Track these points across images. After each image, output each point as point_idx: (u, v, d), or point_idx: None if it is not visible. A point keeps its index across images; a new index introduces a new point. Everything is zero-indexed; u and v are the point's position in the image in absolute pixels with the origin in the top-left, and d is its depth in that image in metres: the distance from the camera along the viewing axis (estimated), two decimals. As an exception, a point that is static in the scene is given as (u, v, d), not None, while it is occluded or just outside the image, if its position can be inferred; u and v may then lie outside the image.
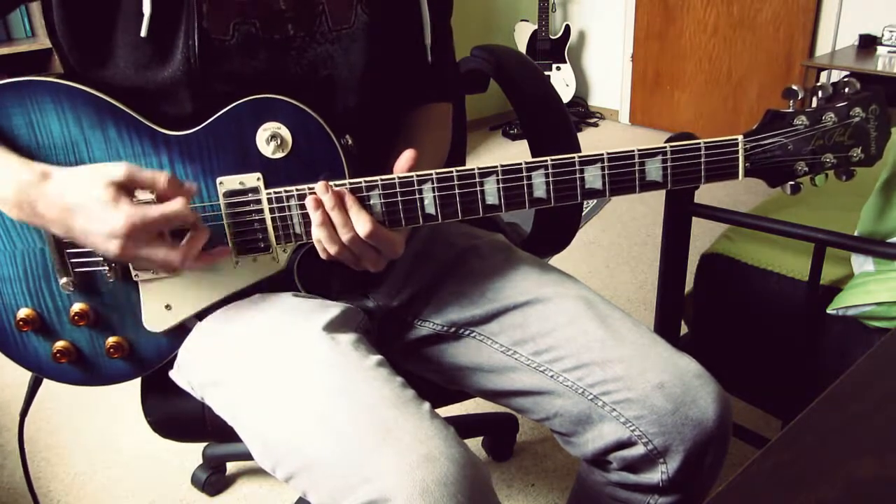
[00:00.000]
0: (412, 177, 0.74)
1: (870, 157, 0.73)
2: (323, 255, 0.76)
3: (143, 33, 0.72)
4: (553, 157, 0.74)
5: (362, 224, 0.73)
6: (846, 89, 0.72)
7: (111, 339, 0.81)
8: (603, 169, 0.73)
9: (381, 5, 0.81)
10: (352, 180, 0.75)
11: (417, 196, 0.75)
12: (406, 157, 0.75)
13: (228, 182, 0.76)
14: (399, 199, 0.75)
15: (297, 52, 0.78)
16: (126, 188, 0.69)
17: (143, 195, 0.72)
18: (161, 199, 0.71)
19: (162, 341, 0.81)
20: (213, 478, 1.47)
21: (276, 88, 0.75)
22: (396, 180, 0.74)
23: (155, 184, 0.70)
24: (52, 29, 0.77)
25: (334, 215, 0.73)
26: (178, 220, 0.70)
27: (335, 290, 0.87)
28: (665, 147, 0.73)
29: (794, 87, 0.72)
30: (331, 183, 0.73)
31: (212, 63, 0.74)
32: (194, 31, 0.73)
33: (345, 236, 0.74)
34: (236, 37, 0.75)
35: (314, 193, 0.73)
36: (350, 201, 0.73)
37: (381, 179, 0.74)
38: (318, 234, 0.74)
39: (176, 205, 0.69)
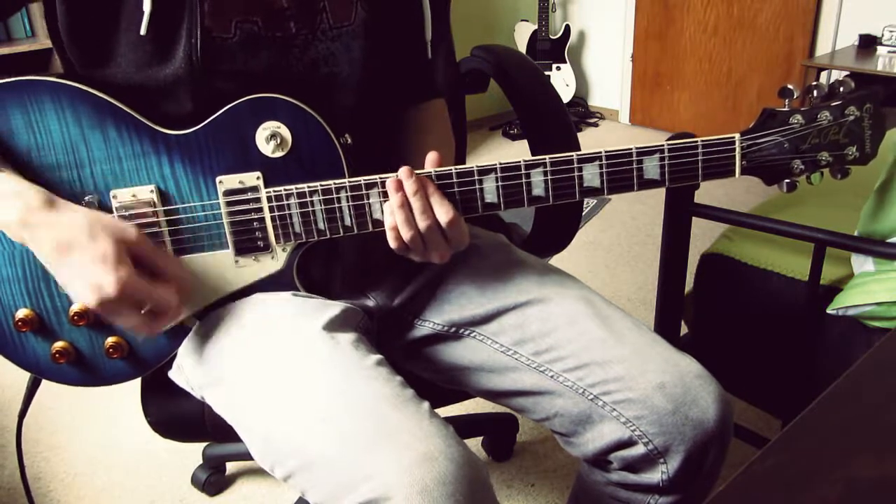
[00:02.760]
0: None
1: (864, 156, 0.74)
2: (393, 243, 0.76)
3: (142, 31, 0.72)
4: (552, 156, 0.74)
5: (445, 212, 0.73)
6: (841, 88, 0.73)
7: (110, 340, 0.81)
8: (601, 167, 0.73)
9: (380, 2, 0.81)
10: (352, 179, 0.75)
11: (417, 195, 0.75)
12: (431, 161, 0.75)
13: (228, 181, 0.76)
14: (399, 198, 0.75)
15: (299, 50, 0.78)
16: (132, 251, 0.69)
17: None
18: (157, 273, 0.71)
19: (161, 341, 0.81)
20: (213, 478, 1.47)
21: (278, 86, 0.75)
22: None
23: (158, 261, 0.71)
24: (54, 28, 0.77)
25: (415, 200, 0.73)
26: (164, 308, 0.70)
27: (335, 289, 0.87)
28: (663, 145, 0.73)
29: (790, 87, 0.73)
30: (417, 172, 0.73)
31: (213, 61, 0.74)
32: (196, 29, 0.73)
33: (423, 223, 0.73)
34: (238, 35, 0.75)
35: (395, 177, 0.73)
36: (431, 189, 0.74)
37: (381, 178, 0.74)
38: (397, 217, 0.74)
39: (171, 298, 0.70)
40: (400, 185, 0.73)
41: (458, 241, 0.76)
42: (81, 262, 0.67)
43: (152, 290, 0.69)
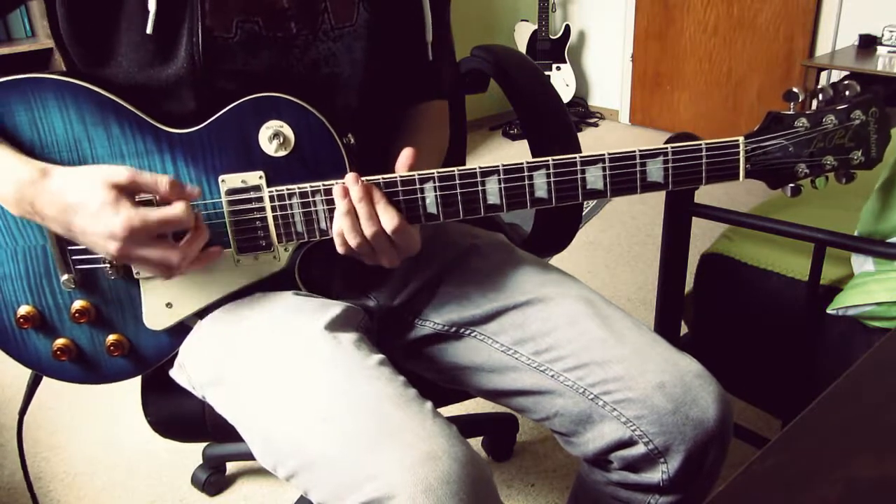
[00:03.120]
0: (414, 176, 0.74)
1: (870, 160, 0.73)
2: (340, 248, 0.76)
3: (148, 30, 0.72)
4: (554, 158, 0.74)
5: (390, 219, 0.73)
6: (846, 92, 0.73)
7: (111, 337, 0.81)
8: (604, 169, 0.73)
9: (382, 3, 0.81)
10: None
11: (419, 195, 0.75)
12: (406, 156, 0.75)
13: (230, 180, 0.76)
14: (401, 198, 0.75)
15: (300, 51, 0.78)
16: (127, 190, 0.69)
17: (144, 196, 0.72)
18: (163, 202, 0.71)
19: (162, 340, 0.82)
20: (213, 478, 1.47)
21: (279, 86, 0.75)
22: (398, 179, 0.74)
23: (157, 187, 0.70)
24: (56, 27, 0.77)
25: (360, 207, 0.73)
26: (177, 224, 0.70)
27: (336, 289, 0.87)
28: (666, 148, 0.73)
29: (795, 90, 0.73)
30: (363, 179, 0.73)
31: (215, 61, 0.74)
32: (198, 28, 0.73)
33: (368, 230, 0.74)
34: (239, 35, 0.75)
35: (342, 183, 0.73)
36: (378, 195, 0.74)
37: (383, 178, 0.74)
38: (341, 224, 0.74)
39: (175, 209, 0.70)
40: (346, 192, 0.73)
41: (407, 247, 0.76)
42: (86, 219, 0.68)
43: (159, 213, 0.69)
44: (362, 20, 0.80)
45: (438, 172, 0.74)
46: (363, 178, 0.74)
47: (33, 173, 0.70)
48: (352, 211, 0.73)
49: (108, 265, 0.78)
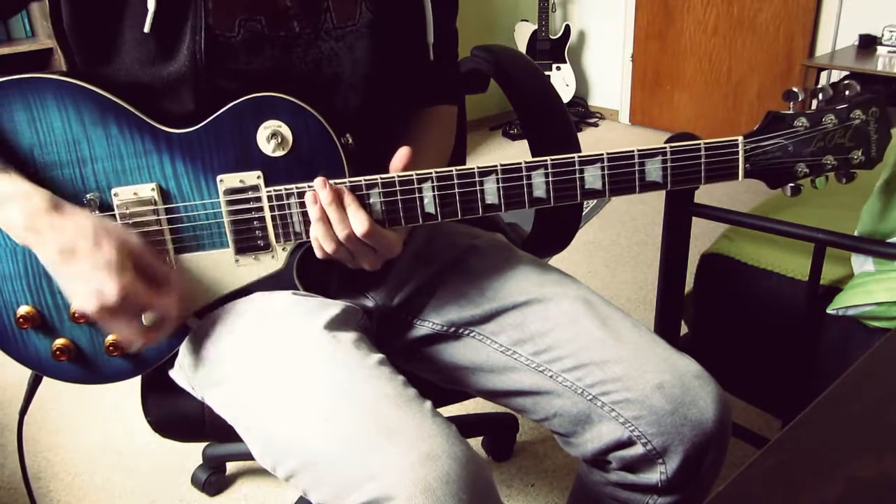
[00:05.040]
0: (412, 176, 0.74)
1: (870, 160, 0.73)
2: (319, 254, 0.76)
3: (146, 29, 0.72)
4: (553, 157, 0.74)
5: (359, 222, 0.73)
6: (847, 91, 0.72)
7: (111, 337, 0.81)
8: (603, 169, 0.73)
9: (385, 3, 0.81)
10: (351, 179, 0.75)
11: (417, 195, 0.75)
12: (400, 155, 0.75)
13: (229, 180, 0.76)
14: (399, 198, 0.75)
15: (303, 50, 0.78)
16: (134, 259, 0.69)
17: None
18: (157, 281, 0.72)
19: (162, 340, 0.81)
20: (213, 478, 1.47)
21: (281, 86, 0.75)
22: (396, 179, 0.74)
23: (158, 272, 0.71)
24: (58, 26, 0.77)
25: (331, 212, 0.73)
26: (161, 316, 0.71)
27: (335, 288, 0.87)
28: (665, 147, 0.73)
29: (795, 89, 0.72)
30: (331, 181, 0.73)
31: (217, 60, 0.74)
32: (200, 28, 0.73)
33: (341, 234, 0.73)
34: (242, 34, 0.75)
35: (313, 190, 0.73)
36: (348, 199, 0.73)
37: (381, 178, 0.74)
38: (315, 231, 0.74)
39: (170, 306, 0.71)
40: (317, 198, 0.73)
41: (385, 249, 0.76)
42: (84, 267, 0.68)
43: (152, 299, 0.70)
44: (365, 20, 0.80)
45: (436, 172, 0.74)
46: (356, 178, 0.73)
47: (49, 204, 0.70)
48: (324, 217, 0.73)
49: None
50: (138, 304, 0.69)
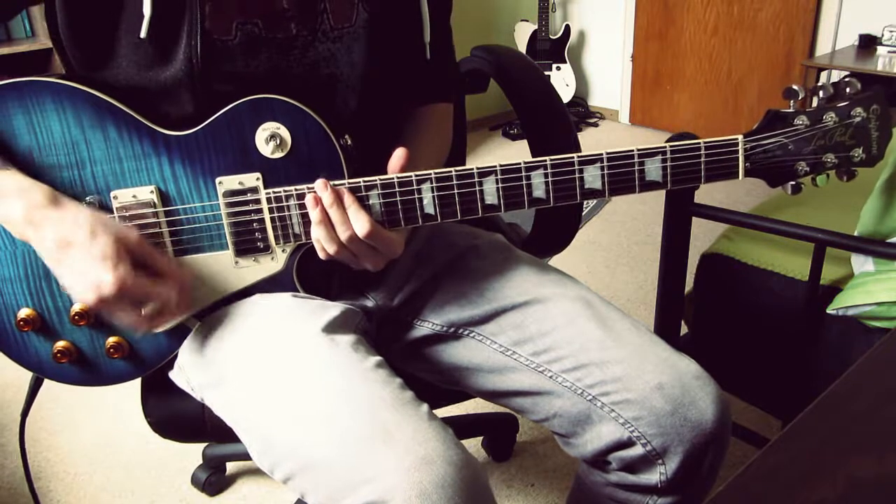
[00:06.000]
0: (411, 177, 0.74)
1: (871, 158, 0.73)
2: (321, 255, 0.76)
3: (142, 34, 0.72)
4: (552, 157, 0.74)
5: (361, 223, 0.73)
6: (847, 89, 0.72)
7: (111, 340, 0.81)
8: (602, 169, 0.73)
9: (381, 3, 0.81)
10: (350, 180, 0.75)
11: (416, 196, 0.75)
12: (397, 156, 0.75)
13: (228, 182, 0.76)
14: (398, 199, 0.75)
15: (300, 51, 0.78)
16: (131, 252, 0.69)
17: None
18: (157, 273, 0.72)
19: (162, 341, 0.81)
20: (213, 478, 1.47)
21: (278, 88, 0.75)
22: (395, 180, 0.74)
23: (155, 263, 0.71)
24: (55, 29, 0.77)
25: (332, 213, 0.73)
26: (162, 305, 0.70)
27: (334, 290, 0.87)
28: (665, 147, 0.73)
29: (795, 87, 0.72)
30: (331, 182, 0.73)
31: (214, 63, 0.74)
32: (196, 31, 0.73)
33: (343, 235, 0.74)
34: (238, 36, 0.75)
35: (314, 192, 0.73)
36: (349, 200, 0.73)
37: (380, 179, 0.74)
38: (317, 233, 0.74)
39: (169, 292, 0.70)
40: (318, 200, 0.73)
41: (387, 250, 0.76)
42: (81, 259, 0.68)
43: (151, 288, 0.70)
44: (361, 20, 0.80)
45: (436, 173, 0.74)
46: (355, 180, 0.73)
47: (46, 198, 0.70)
48: (325, 219, 0.73)
49: None
50: (137, 293, 0.69)
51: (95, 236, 0.68)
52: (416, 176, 0.74)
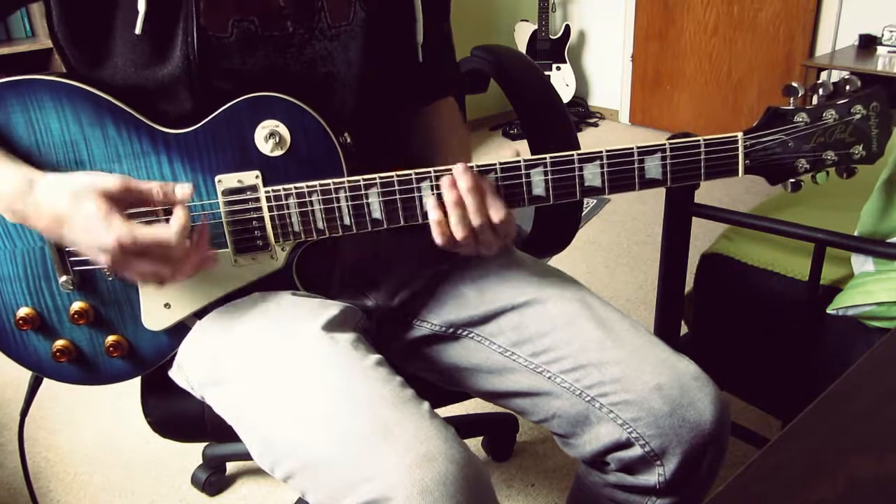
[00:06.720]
0: (411, 175, 0.74)
1: (871, 155, 0.73)
2: (439, 239, 0.74)
3: (137, 31, 0.72)
4: (552, 155, 0.74)
5: (496, 210, 0.73)
6: (847, 87, 0.72)
7: (111, 338, 0.81)
8: (602, 166, 0.73)
9: (379, 3, 0.81)
10: (350, 178, 0.75)
11: (416, 194, 0.74)
12: (460, 173, 0.73)
13: (227, 180, 0.76)
14: (398, 197, 0.75)
15: (297, 50, 0.78)
16: (119, 200, 0.68)
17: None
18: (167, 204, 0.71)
19: (161, 340, 0.81)
20: (213, 478, 1.47)
21: (275, 86, 0.75)
22: (395, 179, 0.74)
23: (150, 195, 0.70)
24: (53, 28, 0.77)
25: (469, 199, 0.72)
26: (167, 246, 0.69)
27: (334, 288, 0.87)
28: (664, 144, 0.73)
29: (795, 85, 0.72)
30: (346, 179, 0.73)
31: (211, 61, 0.74)
32: (193, 29, 0.73)
33: (476, 220, 0.73)
34: (235, 34, 0.75)
35: (450, 174, 0.73)
36: (486, 185, 0.73)
37: (380, 178, 0.74)
38: (452, 215, 0.73)
39: (168, 232, 0.68)
40: (454, 183, 0.72)
41: (509, 236, 0.76)
42: (76, 230, 0.68)
43: (151, 234, 0.68)
44: (359, 19, 0.80)
45: (435, 171, 0.74)
46: (351, 178, 0.73)
47: (21, 185, 0.70)
48: (460, 202, 0.72)
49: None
50: (141, 244, 0.67)
51: (78, 202, 0.67)
52: (416, 174, 0.74)
